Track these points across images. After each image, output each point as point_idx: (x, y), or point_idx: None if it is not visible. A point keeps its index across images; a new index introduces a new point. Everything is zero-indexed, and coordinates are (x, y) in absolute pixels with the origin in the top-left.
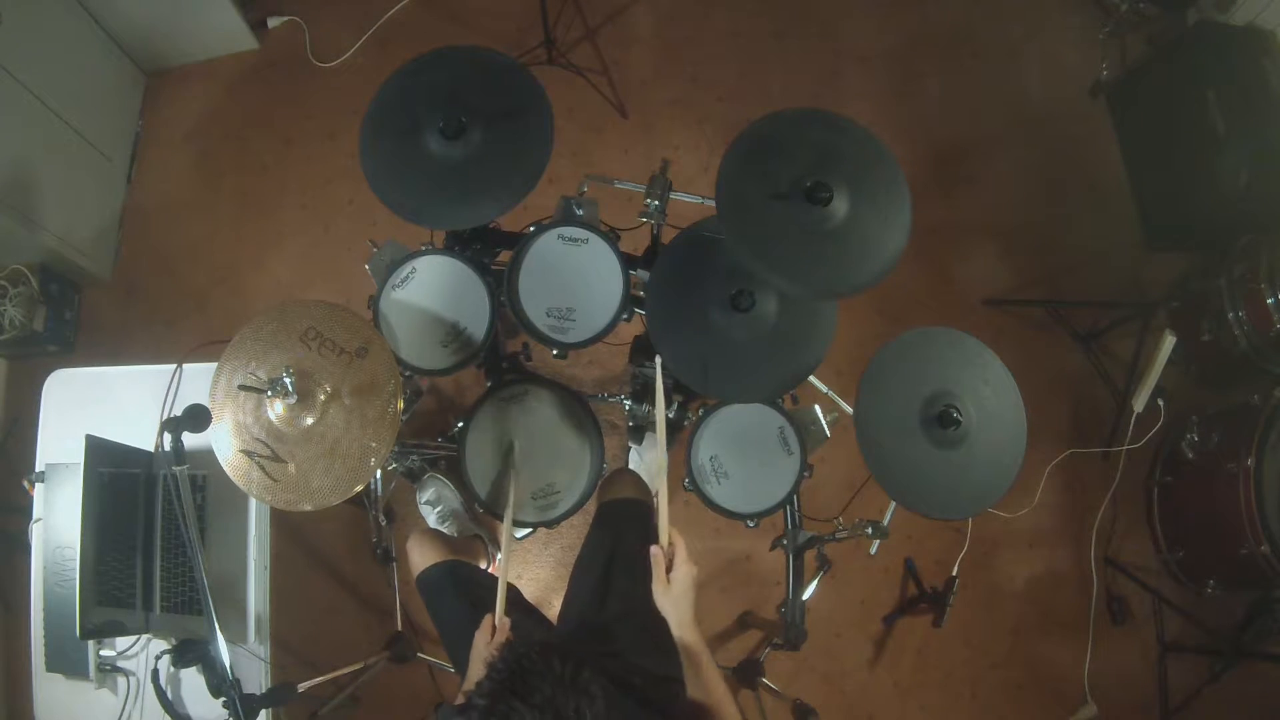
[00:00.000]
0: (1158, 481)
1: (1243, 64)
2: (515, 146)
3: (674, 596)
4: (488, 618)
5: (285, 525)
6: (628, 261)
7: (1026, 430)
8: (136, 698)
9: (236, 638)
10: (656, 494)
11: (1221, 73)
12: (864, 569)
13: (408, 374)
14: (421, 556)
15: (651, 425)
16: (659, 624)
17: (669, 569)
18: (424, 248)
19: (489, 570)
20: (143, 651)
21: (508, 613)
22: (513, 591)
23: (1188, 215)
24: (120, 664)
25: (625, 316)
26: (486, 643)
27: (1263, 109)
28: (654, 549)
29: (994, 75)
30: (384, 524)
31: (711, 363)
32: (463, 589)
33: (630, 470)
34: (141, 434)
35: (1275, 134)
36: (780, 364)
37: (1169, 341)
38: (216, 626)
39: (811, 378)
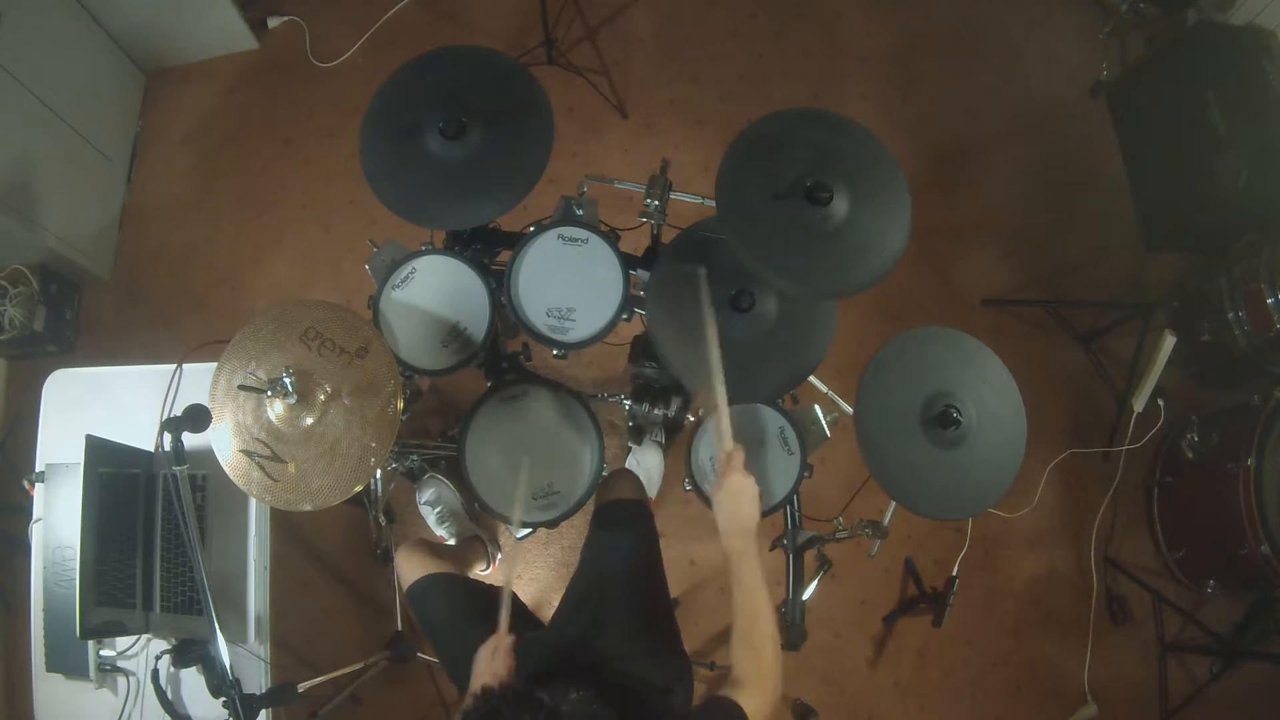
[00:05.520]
0: (1158, 481)
1: (1243, 64)
2: (515, 146)
3: (719, 498)
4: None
5: (285, 525)
6: (628, 261)
7: (1026, 430)
8: (136, 698)
9: (236, 638)
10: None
11: (1221, 73)
12: (864, 569)
13: (408, 374)
14: (410, 569)
15: (652, 426)
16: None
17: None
18: (424, 248)
19: (489, 571)
20: (143, 651)
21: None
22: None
23: (1188, 215)
24: (120, 664)
25: (625, 316)
26: (488, 657)
27: (1263, 109)
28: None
29: (994, 75)
30: (384, 524)
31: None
32: (450, 601)
33: (629, 470)
34: (141, 434)
35: (1275, 134)
36: (780, 364)
37: (1169, 341)
38: (216, 626)
39: (811, 378)
